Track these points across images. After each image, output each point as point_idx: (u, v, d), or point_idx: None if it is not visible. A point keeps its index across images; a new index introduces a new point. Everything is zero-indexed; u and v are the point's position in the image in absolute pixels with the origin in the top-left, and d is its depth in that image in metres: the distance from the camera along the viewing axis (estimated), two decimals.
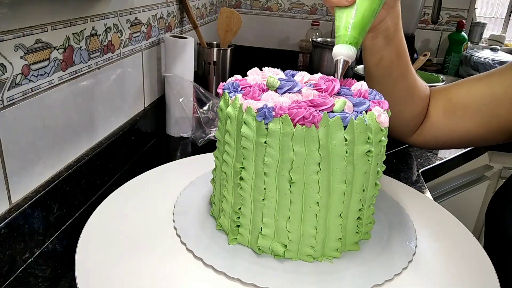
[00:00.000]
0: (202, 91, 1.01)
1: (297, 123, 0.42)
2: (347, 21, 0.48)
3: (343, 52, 0.48)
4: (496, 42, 1.79)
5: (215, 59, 1.19)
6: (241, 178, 0.47)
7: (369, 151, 0.44)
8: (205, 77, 1.21)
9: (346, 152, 0.43)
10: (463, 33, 1.62)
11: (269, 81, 0.48)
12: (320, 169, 0.44)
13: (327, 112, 0.43)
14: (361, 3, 0.48)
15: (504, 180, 1.27)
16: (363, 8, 0.48)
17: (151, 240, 0.52)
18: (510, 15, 1.88)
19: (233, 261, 0.48)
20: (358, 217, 0.49)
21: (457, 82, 0.66)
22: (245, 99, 0.46)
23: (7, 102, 0.52)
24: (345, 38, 0.48)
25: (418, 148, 1.03)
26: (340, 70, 0.48)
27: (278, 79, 0.49)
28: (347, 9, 0.49)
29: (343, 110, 0.44)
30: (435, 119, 0.65)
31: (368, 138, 0.44)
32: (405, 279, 0.48)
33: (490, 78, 0.61)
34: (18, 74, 0.53)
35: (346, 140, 0.43)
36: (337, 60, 0.48)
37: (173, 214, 0.56)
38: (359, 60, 1.44)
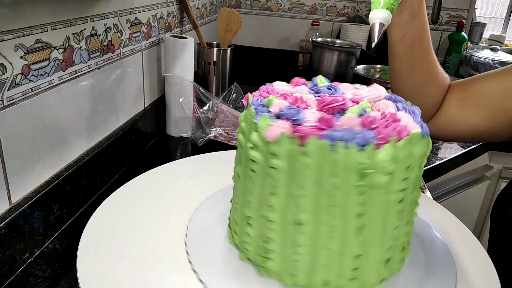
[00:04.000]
0: (202, 91, 1.01)
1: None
2: None
3: (379, 15, 0.47)
4: (496, 42, 1.79)
5: (215, 59, 1.19)
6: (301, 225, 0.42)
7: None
8: (205, 77, 1.21)
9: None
10: (463, 33, 1.62)
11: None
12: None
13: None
14: None
15: (504, 180, 1.27)
16: None
17: (152, 243, 0.52)
18: (510, 15, 1.88)
19: None
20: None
21: (473, 77, 0.67)
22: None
23: (7, 102, 0.52)
24: (381, 3, 0.48)
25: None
26: (376, 33, 0.47)
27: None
28: None
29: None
30: (447, 110, 0.66)
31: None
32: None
33: (502, 72, 0.62)
34: (18, 74, 0.53)
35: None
36: (373, 23, 0.48)
37: (186, 235, 0.52)
38: (359, 60, 1.45)
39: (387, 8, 0.48)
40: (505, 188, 0.66)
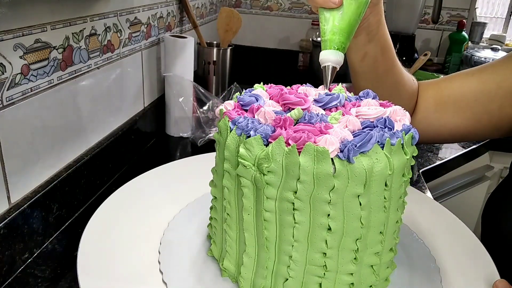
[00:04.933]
0: (202, 91, 1.01)
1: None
2: (333, 25, 0.46)
3: (331, 58, 0.46)
4: (496, 42, 1.78)
5: (215, 59, 1.19)
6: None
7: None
8: (205, 77, 1.21)
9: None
10: (463, 32, 1.62)
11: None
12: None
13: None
14: (348, 6, 0.46)
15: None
16: (350, 11, 0.46)
17: (150, 245, 0.52)
18: (510, 15, 1.88)
19: None
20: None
21: (448, 76, 0.65)
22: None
23: (7, 102, 0.52)
24: (333, 44, 0.46)
25: None
26: (329, 77, 0.46)
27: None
28: (334, 11, 0.47)
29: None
30: (425, 114, 0.64)
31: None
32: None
33: (483, 73, 0.60)
34: (17, 73, 0.53)
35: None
36: (325, 66, 0.47)
37: (159, 252, 0.50)
38: None
39: (338, 49, 0.46)
40: (495, 190, 0.65)
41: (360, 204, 0.38)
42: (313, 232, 0.39)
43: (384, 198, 0.39)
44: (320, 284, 0.42)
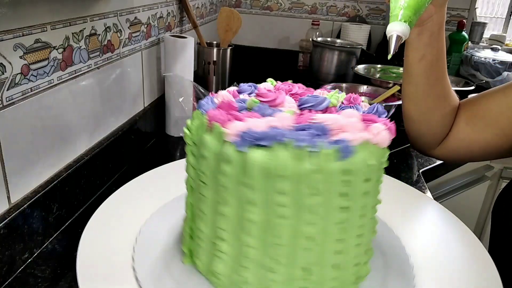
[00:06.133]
0: (202, 90, 1.01)
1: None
2: (402, 1, 0.48)
3: (396, 28, 0.47)
4: (496, 42, 1.78)
5: (215, 59, 1.19)
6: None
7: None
8: (205, 77, 1.21)
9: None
10: (463, 32, 1.62)
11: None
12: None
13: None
14: None
15: (505, 180, 1.26)
16: None
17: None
18: (510, 15, 1.88)
19: None
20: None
21: (479, 94, 0.67)
22: None
23: (7, 102, 0.52)
24: (399, 16, 0.48)
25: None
26: (393, 46, 0.47)
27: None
28: None
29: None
30: (456, 129, 0.66)
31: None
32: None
33: (507, 87, 0.62)
34: (17, 74, 0.53)
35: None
36: (390, 36, 0.47)
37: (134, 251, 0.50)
38: (359, 60, 1.45)
39: (405, 21, 0.47)
40: (505, 188, 0.65)
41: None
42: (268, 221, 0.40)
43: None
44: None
